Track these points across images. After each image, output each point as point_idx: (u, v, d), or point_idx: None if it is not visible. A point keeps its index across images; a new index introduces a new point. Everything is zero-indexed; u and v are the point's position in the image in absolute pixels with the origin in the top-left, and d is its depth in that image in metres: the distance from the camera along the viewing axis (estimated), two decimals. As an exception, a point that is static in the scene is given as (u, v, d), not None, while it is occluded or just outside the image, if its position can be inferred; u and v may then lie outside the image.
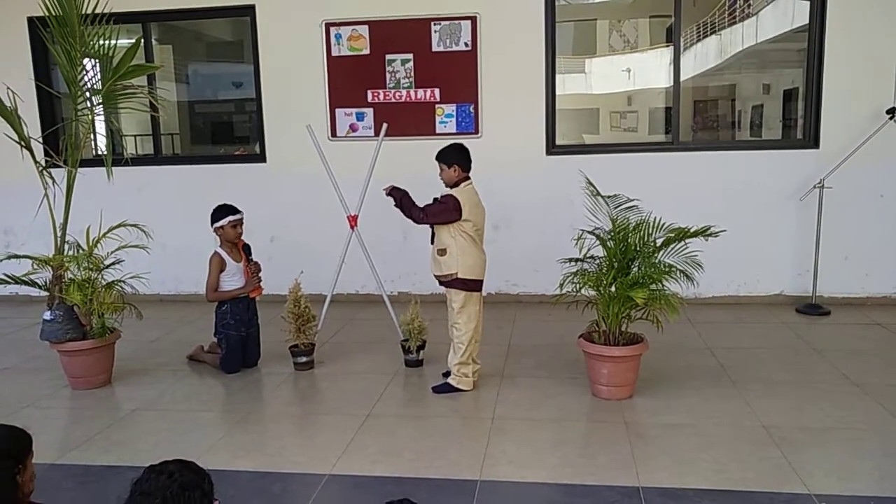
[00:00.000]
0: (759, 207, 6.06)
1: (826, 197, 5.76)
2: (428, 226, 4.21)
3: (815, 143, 5.98)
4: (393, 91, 6.32)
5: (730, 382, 4.30)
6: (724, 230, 4.05)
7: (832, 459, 3.30)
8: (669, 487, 3.05)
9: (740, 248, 5.86)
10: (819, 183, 5.75)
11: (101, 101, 4.63)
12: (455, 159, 4.10)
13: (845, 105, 5.84)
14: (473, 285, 4.16)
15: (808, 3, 5.92)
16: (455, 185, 4.10)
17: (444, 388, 4.25)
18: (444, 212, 4.03)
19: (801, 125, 6.25)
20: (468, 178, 4.14)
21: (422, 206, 4.11)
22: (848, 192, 5.80)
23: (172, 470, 1.71)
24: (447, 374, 4.35)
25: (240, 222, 4.69)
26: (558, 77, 6.28)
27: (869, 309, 5.93)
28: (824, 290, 6.00)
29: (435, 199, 4.18)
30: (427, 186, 4.24)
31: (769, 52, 12.92)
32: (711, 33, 14.69)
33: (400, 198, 4.15)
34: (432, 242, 4.20)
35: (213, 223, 4.67)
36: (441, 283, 4.23)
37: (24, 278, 4.51)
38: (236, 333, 4.69)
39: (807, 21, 5.98)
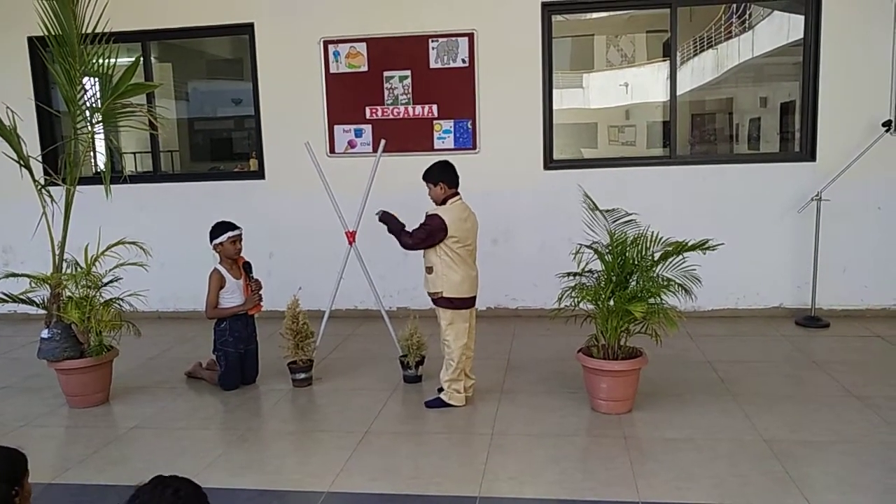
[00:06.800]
0: (757, 220, 6.06)
1: (824, 209, 5.77)
2: None
3: (812, 156, 6.00)
4: (391, 107, 6.35)
5: (730, 396, 4.29)
6: (723, 243, 4.05)
7: (833, 473, 3.28)
8: (670, 503, 3.03)
9: (739, 261, 5.86)
10: (817, 195, 5.76)
11: (100, 119, 4.66)
12: (440, 177, 4.10)
13: (841, 118, 5.86)
14: (461, 303, 4.13)
15: (803, 17, 5.96)
16: (443, 201, 4.10)
17: (436, 403, 4.24)
18: (430, 235, 4.03)
19: (798, 138, 6.27)
20: (456, 193, 4.14)
21: (410, 230, 4.11)
22: (846, 204, 5.81)
23: (178, 487, 1.70)
24: (442, 389, 4.34)
25: (238, 238, 4.70)
26: (556, 92, 6.32)
27: (868, 321, 5.92)
28: (823, 302, 6.00)
29: (427, 215, 4.20)
30: (426, 202, 4.25)
31: (765, 65, 12.97)
32: (708, 47, 14.75)
33: (389, 222, 4.16)
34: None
35: (212, 240, 4.68)
36: (431, 300, 4.23)
37: (21, 296, 4.49)
38: (234, 350, 4.69)
39: (801, 35, 6.02)
